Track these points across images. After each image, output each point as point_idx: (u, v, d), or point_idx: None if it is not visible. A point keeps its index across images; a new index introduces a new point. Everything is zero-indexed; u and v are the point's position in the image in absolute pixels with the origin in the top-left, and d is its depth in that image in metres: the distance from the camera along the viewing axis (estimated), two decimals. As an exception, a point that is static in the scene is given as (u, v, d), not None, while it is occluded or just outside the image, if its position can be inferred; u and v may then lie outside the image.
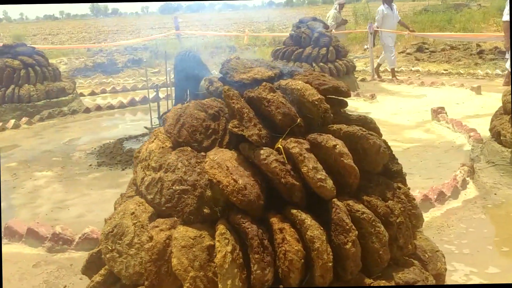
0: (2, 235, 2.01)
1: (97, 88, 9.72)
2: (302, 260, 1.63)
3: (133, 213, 1.80)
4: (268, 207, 1.74)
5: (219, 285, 1.57)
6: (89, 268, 2.02)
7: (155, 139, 1.96)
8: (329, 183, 1.72)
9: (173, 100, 5.64)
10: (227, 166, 1.68)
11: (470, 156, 4.38)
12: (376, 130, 2.07)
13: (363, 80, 9.16)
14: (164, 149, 1.87)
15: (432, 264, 1.98)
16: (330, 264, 1.61)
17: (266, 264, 1.62)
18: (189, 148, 1.84)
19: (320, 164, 1.76)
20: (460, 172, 3.93)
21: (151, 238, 1.69)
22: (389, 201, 1.82)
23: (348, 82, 8.24)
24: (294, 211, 1.67)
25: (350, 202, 1.75)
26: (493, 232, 3.22)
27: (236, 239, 1.65)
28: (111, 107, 7.63)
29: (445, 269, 2.00)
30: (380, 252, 1.71)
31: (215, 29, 23.95)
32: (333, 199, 1.71)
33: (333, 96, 2.05)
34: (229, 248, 1.61)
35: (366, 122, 2.03)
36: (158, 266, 1.67)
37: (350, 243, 1.63)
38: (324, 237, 1.64)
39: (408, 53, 12.51)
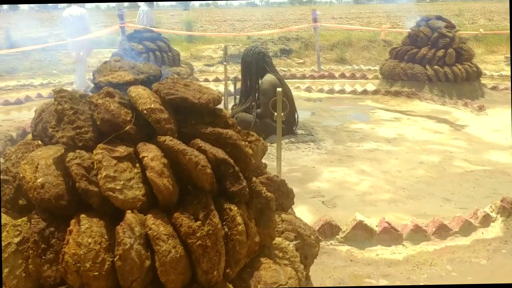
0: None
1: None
2: (79, 264, 1.66)
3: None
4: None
5: (-3, 272, 1.70)
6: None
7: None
8: (127, 194, 1.71)
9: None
10: (38, 163, 1.78)
11: (524, 190, 3.72)
12: (236, 146, 1.96)
13: (493, 88, 8.13)
14: (25, 141, 2.05)
15: (259, 297, 1.83)
16: (93, 273, 1.62)
17: (44, 261, 1.70)
18: (36, 142, 1.98)
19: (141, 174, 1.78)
20: (490, 207, 3.40)
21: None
22: (198, 222, 1.74)
23: (468, 88, 7.46)
24: (82, 215, 1.71)
25: (148, 217, 1.72)
26: (479, 282, 2.75)
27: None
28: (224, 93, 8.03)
29: (275, 306, 1.83)
30: (158, 272, 1.66)
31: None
32: (127, 211, 1.70)
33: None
34: (17, 239, 1.72)
35: (220, 137, 1.94)
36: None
37: (116, 257, 1.62)
38: (98, 246, 1.65)
39: None
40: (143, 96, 1.87)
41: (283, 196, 2.23)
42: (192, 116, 2.00)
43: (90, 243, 1.64)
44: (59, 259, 1.70)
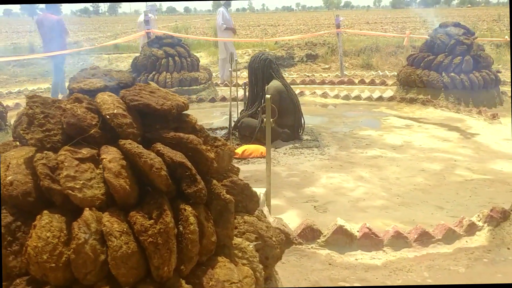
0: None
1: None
2: (38, 256, 1.81)
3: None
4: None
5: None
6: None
7: (17, 132, 2.30)
8: (86, 193, 1.85)
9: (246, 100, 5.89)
10: (9, 163, 1.95)
11: (516, 199, 3.70)
12: (196, 150, 2.08)
13: (513, 96, 8.01)
14: (5, 142, 2.22)
15: (211, 294, 1.94)
16: (50, 265, 1.76)
17: (10, 252, 1.85)
18: (15, 143, 2.15)
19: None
20: (478, 216, 3.41)
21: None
22: (151, 220, 1.86)
23: (485, 96, 7.37)
24: (45, 211, 1.86)
25: (104, 214, 1.85)
26: (454, 289, 2.78)
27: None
28: (235, 98, 8.16)
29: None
30: (110, 265, 1.79)
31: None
32: (85, 209, 1.84)
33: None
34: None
35: (181, 141, 2.06)
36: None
37: (71, 250, 1.76)
38: (56, 240, 1.79)
39: None
40: (107, 101, 2.01)
41: (247, 199, 2.33)
42: (157, 121, 2.13)
43: (48, 237, 1.78)
44: (23, 251, 1.85)
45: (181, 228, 1.95)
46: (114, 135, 2.04)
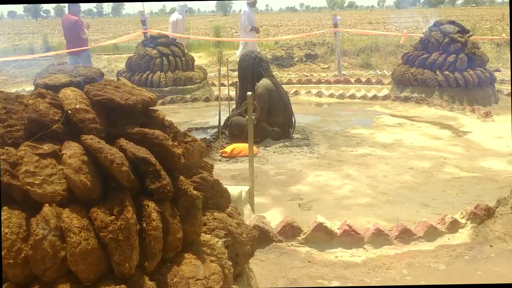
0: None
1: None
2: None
3: None
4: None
5: None
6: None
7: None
8: (46, 188, 1.83)
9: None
10: (-29, 159, 1.93)
11: (501, 197, 3.66)
12: (162, 146, 2.05)
13: (509, 94, 7.94)
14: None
15: (172, 290, 1.92)
16: (8, 261, 1.74)
17: (-30, 248, 1.83)
18: (-21, 140, 2.13)
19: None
20: (461, 213, 3.38)
21: None
22: (112, 216, 1.84)
23: (480, 95, 7.33)
24: (4, 207, 1.84)
25: (64, 210, 1.83)
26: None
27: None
28: (228, 98, 8.14)
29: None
30: (68, 261, 1.77)
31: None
32: (45, 204, 1.82)
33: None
34: None
35: (146, 137, 2.04)
36: None
37: (29, 246, 1.74)
38: (15, 236, 1.77)
39: None
40: (69, 97, 1.99)
41: (217, 195, 2.30)
42: (123, 117, 2.11)
43: (6, 233, 1.76)
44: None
45: (144, 225, 1.93)
46: (77, 131, 2.02)
